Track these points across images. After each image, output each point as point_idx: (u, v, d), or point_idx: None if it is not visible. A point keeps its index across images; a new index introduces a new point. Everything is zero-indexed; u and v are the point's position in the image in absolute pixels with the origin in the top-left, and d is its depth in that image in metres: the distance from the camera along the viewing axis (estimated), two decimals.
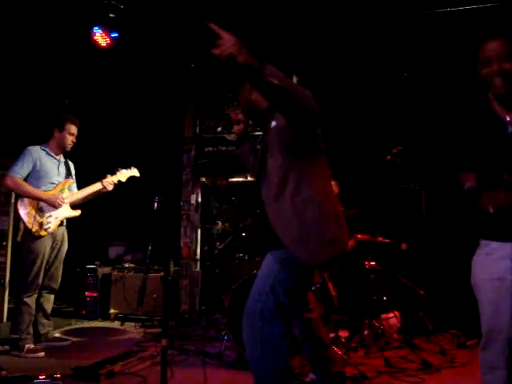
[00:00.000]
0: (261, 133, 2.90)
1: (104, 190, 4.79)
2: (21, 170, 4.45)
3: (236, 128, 3.07)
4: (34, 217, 4.44)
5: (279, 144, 2.64)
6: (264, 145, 2.75)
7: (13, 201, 5.56)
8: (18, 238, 4.57)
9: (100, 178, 4.82)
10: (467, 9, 5.06)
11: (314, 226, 2.52)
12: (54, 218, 4.54)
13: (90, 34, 5.53)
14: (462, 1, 5.02)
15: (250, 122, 3.08)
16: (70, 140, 4.71)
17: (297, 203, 2.54)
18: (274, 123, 2.70)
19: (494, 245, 2.36)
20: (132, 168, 5.03)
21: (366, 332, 4.50)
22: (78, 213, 4.73)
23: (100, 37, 5.56)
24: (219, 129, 6.27)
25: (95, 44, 5.60)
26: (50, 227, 4.49)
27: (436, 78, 5.62)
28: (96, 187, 4.77)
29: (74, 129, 4.73)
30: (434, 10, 5.17)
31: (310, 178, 2.59)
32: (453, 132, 2.51)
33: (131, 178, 5.00)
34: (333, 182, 3.43)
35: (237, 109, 3.08)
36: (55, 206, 4.52)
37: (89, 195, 4.77)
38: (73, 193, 4.76)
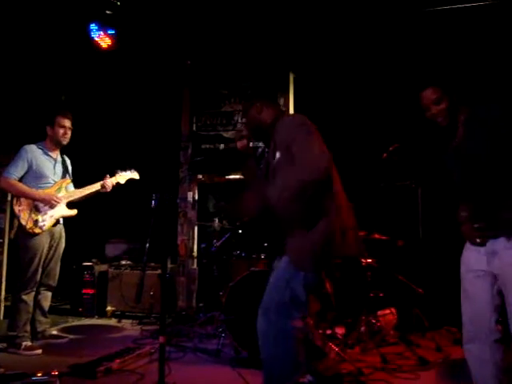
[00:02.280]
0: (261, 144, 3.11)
1: (103, 191, 4.79)
2: (15, 171, 4.44)
3: (239, 144, 3.11)
4: (30, 214, 4.43)
5: (282, 157, 2.77)
6: (266, 165, 2.91)
7: (9, 198, 5.56)
8: (11, 235, 4.57)
9: (97, 175, 4.81)
10: (466, 6, 5.08)
11: (313, 242, 2.68)
12: (50, 216, 4.53)
13: (89, 35, 5.53)
14: None
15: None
16: (61, 133, 4.63)
17: (304, 221, 2.71)
18: (278, 155, 2.82)
19: None
20: (132, 170, 5.02)
21: (362, 329, 4.51)
22: (74, 212, 4.72)
23: (100, 39, 5.56)
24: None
25: (97, 46, 5.60)
26: (44, 225, 4.48)
27: (434, 75, 5.62)
28: (95, 187, 4.76)
29: (63, 121, 4.64)
30: (434, 8, 5.19)
31: (320, 197, 2.71)
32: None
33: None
34: None
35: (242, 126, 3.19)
36: (51, 205, 4.52)
37: (87, 195, 4.77)
38: (71, 192, 4.75)
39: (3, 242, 5.72)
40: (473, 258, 2.59)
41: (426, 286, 4.91)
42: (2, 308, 5.69)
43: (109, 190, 4.80)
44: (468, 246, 2.65)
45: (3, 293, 5.70)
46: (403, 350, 4.32)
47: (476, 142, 2.56)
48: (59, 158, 4.78)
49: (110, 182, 4.81)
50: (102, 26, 5.56)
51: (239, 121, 6.29)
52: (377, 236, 4.79)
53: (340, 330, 4.52)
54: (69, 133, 4.70)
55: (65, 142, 4.71)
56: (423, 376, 3.78)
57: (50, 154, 4.67)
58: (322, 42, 5.69)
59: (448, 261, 5.13)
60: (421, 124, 5.55)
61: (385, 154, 4.82)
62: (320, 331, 3.93)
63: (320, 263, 2.73)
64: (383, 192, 5.15)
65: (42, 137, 4.70)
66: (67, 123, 4.67)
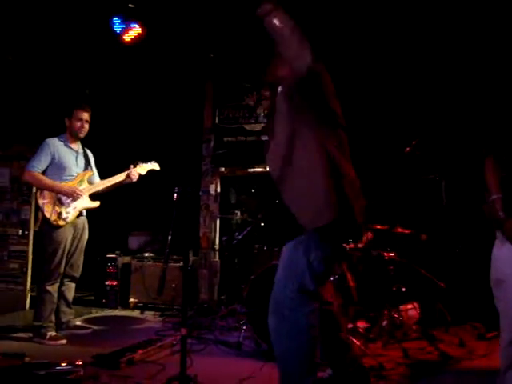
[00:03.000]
0: None
1: (128, 181, 4.80)
2: (38, 164, 4.49)
3: (264, 105, 3.09)
4: (53, 207, 4.48)
5: (286, 108, 2.68)
6: (273, 111, 2.79)
7: (34, 191, 5.65)
8: (36, 228, 4.63)
9: (120, 168, 4.84)
10: None
11: (313, 190, 2.54)
12: (73, 209, 4.58)
13: (112, 28, 5.57)
14: None
15: None
16: (78, 125, 4.64)
17: (300, 168, 2.58)
18: (280, 88, 2.73)
19: None
20: (152, 162, 5.03)
21: (384, 323, 4.48)
22: (96, 204, 4.76)
23: (126, 33, 5.61)
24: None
25: (120, 40, 5.65)
26: (68, 217, 4.53)
27: (457, 68, 5.54)
28: (120, 178, 4.78)
29: (81, 114, 4.65)
30: None
31: (315, 143, 2.58)
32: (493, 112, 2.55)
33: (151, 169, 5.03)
34: None
35: (266, 86, 3.12)
36: (73, 197, 4.57)
37: (112, 185, 4.80)
38: (96, 183, 4.80)
39: (28, 233, 5.82)
40: None
41: (449, 281, 4.85)
42: (28, 298, 5.80)
43: (135, 179, 4.81)
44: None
45: (29, 283, 5.81)
46: (426, 345, 4.27)
47: None
48: (81, 150, 4.81)
49: (135, 171, 4.83)
50: (125, 20, 5.59)
51: (262, 114, 6.27)
52: (400, 230, 4.75)
53: (362, 324, 4.49)
54: (86, 126, 4.71)
55: (82, 134, 4.73)
56: (445, 371, 3.75)
57: (71, 146, 4.71)
58: (344, 34, 5.63)
59: (472, 255, 5.09)
60: (444, 117, 5.51)
61: (408, 148, 4.77)
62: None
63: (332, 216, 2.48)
64: (407, 186, 5.09)
65: (65, 130, 4.74)
66: (85, 116, 4.68)
